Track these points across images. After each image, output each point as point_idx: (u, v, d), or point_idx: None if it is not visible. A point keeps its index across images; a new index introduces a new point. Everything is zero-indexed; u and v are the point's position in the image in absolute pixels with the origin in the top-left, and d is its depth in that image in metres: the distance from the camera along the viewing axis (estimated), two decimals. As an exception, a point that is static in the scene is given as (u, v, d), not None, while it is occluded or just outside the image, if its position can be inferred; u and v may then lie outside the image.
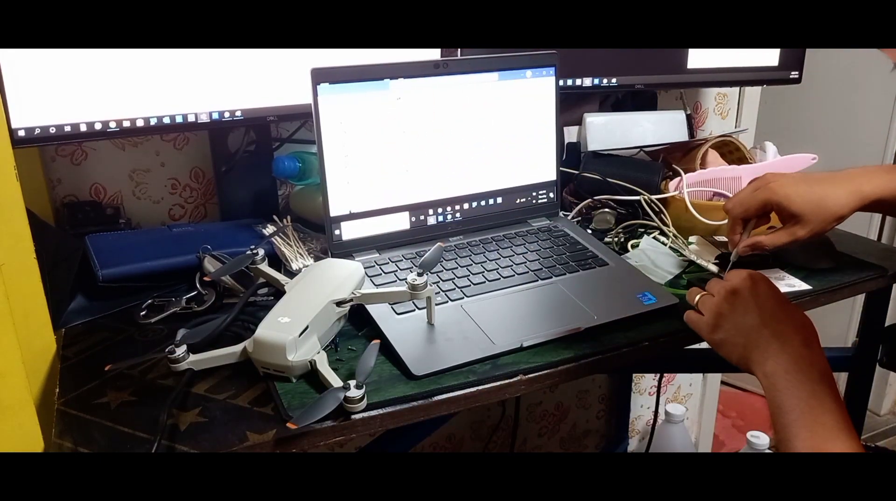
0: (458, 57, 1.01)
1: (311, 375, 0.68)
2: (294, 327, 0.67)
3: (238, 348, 0.69)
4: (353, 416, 0.62)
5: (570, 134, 1.20)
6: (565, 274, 0.86)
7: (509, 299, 0.81)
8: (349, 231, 0.87)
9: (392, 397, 0.65)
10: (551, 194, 1.01)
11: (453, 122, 0.91)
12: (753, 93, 1.58)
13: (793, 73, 1.31)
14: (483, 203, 0.96)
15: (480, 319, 0.76)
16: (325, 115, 0.82)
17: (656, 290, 0.84)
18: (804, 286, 0.88)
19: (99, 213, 1.01)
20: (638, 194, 1.02)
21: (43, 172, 0.97)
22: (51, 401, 0.67)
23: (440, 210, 0.93)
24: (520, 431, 1.61)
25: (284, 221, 0.94)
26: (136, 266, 0.83)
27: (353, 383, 0.62)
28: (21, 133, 0.80)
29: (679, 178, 1.02)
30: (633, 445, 1.83)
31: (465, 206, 0.95)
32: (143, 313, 0.81)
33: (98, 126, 0.85)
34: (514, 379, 0.69)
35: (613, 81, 1.19)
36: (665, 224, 0.99)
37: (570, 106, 1.22)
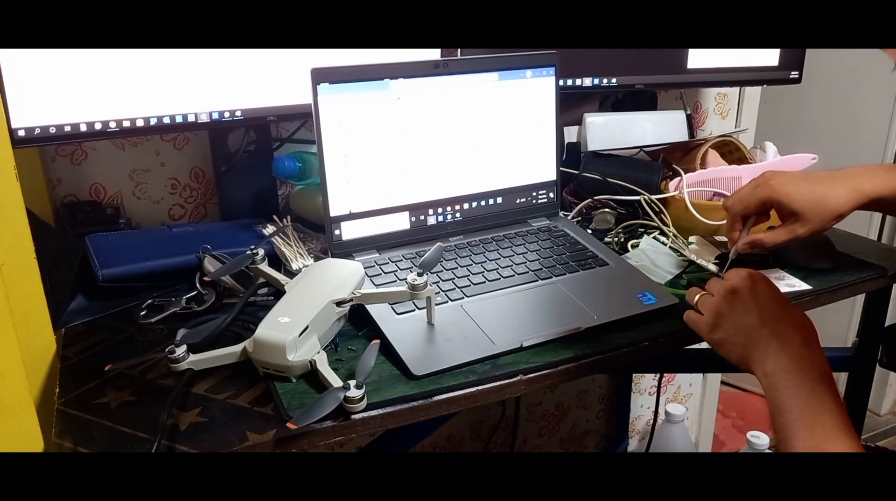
0: (458, 57, 1.01)
1: (311, 375, 0.68)
2: (294, 327, 0.67)
3: (238, 348, 0.69)
4: (353, 416, 0.62)
5: (570, 134, 1.19)
6: (565, 274, 0.86)
7: (509, 299, 0.81)
8: (349, 231, 0.87)
9: (392, 397, 0.65)
10: (551, 194, 1.01)
11: (453, 122, 0.91)
12: (753, 93, 1.58)
13: (793, 73, 1.31)
14: (483, 203, 0.96)
15: (480, 319, 0.76)
16: (325, 115, 0.82)
17: (656, 290, 0.84)
18: (804, 286, 0.88)
19: (99, 213, 1.01)
20: (638, 193, 1.02)
21: (43, 172, 0.97)
22: (51, 401, 0.67)
23: (440, 210, 0.93)
24: (520, 431, 1.61)
25: (284, 221, 0.94)
26: (136, 266, 0.83)
27: (353, 383, 0.62)
28: (21, 133, 0.80)
29: (679, 178, 1.02)
30: (633, 445, 1.83)
31: (465, 206, 0.95)
32: (143, 313, 0.81)
33: (98, 126, 0.85)
34: (514, 379, 0.69)
35: (613, 81, 1.19)
36: (665, 224, 0.99)
37: (570, 106, 1.23)
